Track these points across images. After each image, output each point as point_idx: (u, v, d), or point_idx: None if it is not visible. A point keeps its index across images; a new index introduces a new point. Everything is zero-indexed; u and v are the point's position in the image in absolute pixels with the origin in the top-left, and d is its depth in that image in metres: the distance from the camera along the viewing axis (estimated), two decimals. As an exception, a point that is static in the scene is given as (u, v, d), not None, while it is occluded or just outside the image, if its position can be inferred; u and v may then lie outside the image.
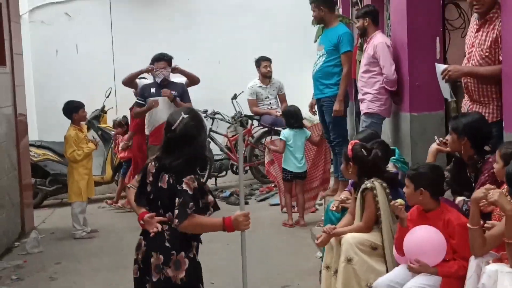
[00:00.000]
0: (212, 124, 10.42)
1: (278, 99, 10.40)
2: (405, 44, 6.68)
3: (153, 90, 8.21)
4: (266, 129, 10.29)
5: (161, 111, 7.98)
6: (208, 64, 10.95)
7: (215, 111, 10.60)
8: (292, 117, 8.02)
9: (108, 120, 10.69)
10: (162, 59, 8.28)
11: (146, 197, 3.71)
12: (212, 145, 10.20)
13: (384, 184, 4.62)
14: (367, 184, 4.63)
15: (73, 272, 6.44)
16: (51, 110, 10.43)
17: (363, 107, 7.15)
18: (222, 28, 11.47)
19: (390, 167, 5.29)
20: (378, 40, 7.01)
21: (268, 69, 10.25)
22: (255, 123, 10.49)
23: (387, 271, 4.46)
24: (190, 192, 3.52)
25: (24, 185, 8.31)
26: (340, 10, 9.86)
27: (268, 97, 10.35)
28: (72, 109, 8.06)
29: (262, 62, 10.26)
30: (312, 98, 8.21)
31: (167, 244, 3.59)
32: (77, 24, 11.38)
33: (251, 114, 10.46)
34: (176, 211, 3.51)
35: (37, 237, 7.52)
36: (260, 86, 10.31)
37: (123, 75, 8.75)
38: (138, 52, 10.86)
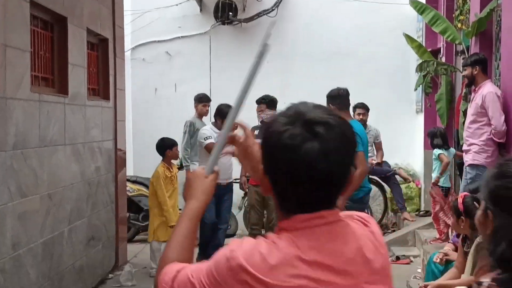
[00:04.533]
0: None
1: (374, 147, 10.21)
2: (516, 95, 6.44)
3: (256, 132, 8.21)
4: (361, 176, 10.09)
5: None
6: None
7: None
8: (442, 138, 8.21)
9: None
10: (260, 102, 8.32)
11: None
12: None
13: (502, 238, 4.37)
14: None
15: (166, 309, 6.40)
16: (147, 146, 10.61)
17: (468, 158, 6.89)
18: (320, 73, 11.42)
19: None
20: (488, 90, 6.77)
21: (361, 117, 9.99)
22: (349, 170, 10.29)
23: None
24: None
25: (120, 219, 8.41)
26: (444, 58, 9.68)
27: (364, 144, 10.16)
28: (167, 146, 8.14)
29: (357, 109, 10.04)
30: None
31: None
32: (177, 64, 11.63)
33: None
34: None
35: (131, 270, 7.56)
36: (356, 133, 10.15)
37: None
38: (234, 92, 10.91)
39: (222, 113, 7.91)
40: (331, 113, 1.70)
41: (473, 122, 6.91)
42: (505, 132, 6.64)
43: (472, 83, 7.09)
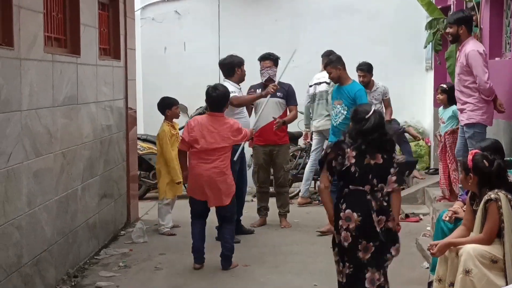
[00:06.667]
0: (313, 127, 10.33)
1: (382, 104, 10.18)
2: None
3: (259, 90, 8.18)
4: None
5: (268, 112, 7.99)
6: (312, 65, 10.88)
7: (317, 113, 10.49)
8: None
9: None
10: (268, 58, 8.29)
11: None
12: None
13: (510, 196, 4.45)
14: (491, 195, 4.47)
15: (178, 264, 6.52)
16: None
17: (463, 118, 6.80)
18: (327, 29, 11.41)
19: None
20: (470, 48, 6.65)
21: (361, 79, 9.81)
22: (358, 127, 10.29)
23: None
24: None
25: (131, 177, 8.52)
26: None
27: (372, 102, 10.09)
28: (166, 105, 8.15)
29: (358, 71, 9.90)
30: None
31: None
32: (186, 23, 11.65)
33: (354, 118, 10.27)
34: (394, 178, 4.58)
35: (143, 227, 7.68)
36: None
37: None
38: (243, 52, 10.94)
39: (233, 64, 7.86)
40: (222, 85, 6.96)
41: (460, 81, 6.82)
42: (490, 89, 6.57)
43: (456, 40, 6.98)
